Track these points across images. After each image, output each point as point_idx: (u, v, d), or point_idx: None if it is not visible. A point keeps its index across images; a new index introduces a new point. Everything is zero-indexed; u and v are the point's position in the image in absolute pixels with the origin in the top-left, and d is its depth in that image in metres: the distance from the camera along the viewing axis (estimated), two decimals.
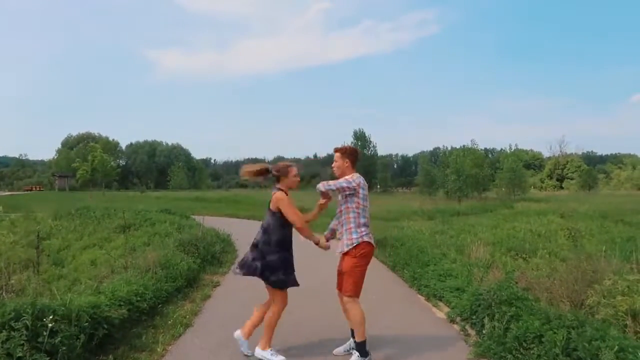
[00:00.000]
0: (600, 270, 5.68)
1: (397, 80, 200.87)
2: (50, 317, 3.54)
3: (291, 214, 4.10)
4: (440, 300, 6.36)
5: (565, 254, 9.90)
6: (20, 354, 3.29)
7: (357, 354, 4.11)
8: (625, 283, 4.77)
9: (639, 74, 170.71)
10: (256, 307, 4.40)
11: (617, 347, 3.04)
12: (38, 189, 69.38)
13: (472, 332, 4.98)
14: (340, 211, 4.22)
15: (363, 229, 4.14)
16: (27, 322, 3.49)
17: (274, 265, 4.10)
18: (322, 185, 4.09)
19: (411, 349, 4.58)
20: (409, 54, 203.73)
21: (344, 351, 4.39)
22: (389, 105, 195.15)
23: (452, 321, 5.48)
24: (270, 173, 4.32)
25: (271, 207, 4.17)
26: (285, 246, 4.19)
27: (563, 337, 3.40)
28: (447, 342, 4.82)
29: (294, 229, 4.21)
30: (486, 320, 4.65)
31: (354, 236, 4.11)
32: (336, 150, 4.38)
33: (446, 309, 5.97)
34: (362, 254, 4.11)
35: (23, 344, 3.36)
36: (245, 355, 4.30)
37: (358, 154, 4.48)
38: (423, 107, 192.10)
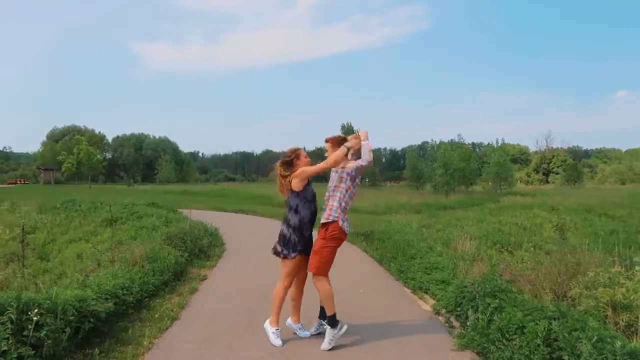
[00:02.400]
0: (584, 263, 5.78)
1: (386, 74, 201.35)
2: (35, 310, 3.52)
3: (315, 168, 4.42)
4: (426, 293, 6.44)
5: (549, 247, 10.06)
6: (5, 348, 3.27)
7: (329, 326, 4.38)
8: (607, 275, 4.87)
9: (624, 71, 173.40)
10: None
11: (595, 337, 3.12)
12: (22, 182, 68.29)
13: (457, 324, 5.05)
14: (330, 187, 4.48)
15: (341, 213, 4.39)
16: (12, 315, 3.47)
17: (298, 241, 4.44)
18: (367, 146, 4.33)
19: (397, 340, 4.63)
20: (398, 48, 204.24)
21: (315, 331, 4.71)
22: (377, 100, 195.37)
23: (438, 313, 5.56)
24: (284, 163, 4.50)
25: (294, 187, 4.36)
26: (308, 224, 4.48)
27: (544, 328, 3.47)
28: (432, 333, 4.89)
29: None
30: (470, 312, 4.72)
31: (333, 214, 4.36)
32: (327, 140, 4.57)
33: (432, 302, 6.05)
34: (332, 235, 4.35)
35: (8, 338, 3.34)
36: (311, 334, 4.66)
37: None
38: (411, 102, 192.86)
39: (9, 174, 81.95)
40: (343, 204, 4.40)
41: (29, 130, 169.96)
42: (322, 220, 4.42)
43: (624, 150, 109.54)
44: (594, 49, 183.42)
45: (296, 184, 4.36)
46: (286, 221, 4.46)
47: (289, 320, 4.73)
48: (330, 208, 4.38)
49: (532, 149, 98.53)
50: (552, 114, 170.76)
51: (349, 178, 4.41)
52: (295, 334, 4.68)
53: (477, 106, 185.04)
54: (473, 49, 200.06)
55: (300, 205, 4.40)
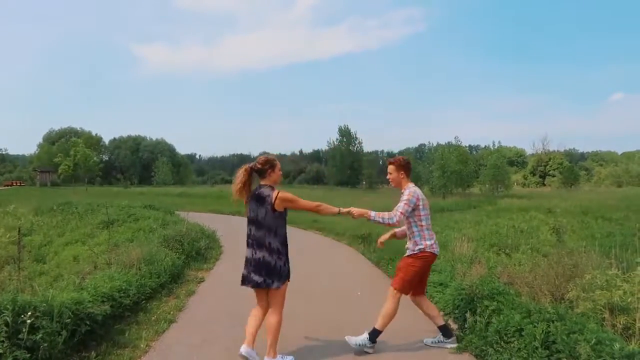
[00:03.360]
0: (581, 265, 5.78)
1: (383, 77, 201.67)
2: (29, 313, 3.49)
3: (305, 204, 4.09)
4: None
5: (547, 250, 10.06)
6: (0, 351, 3.25)
7: (368, 337, 4.41)
8: (604, 277, 4.87)
9: (621, 73, 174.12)
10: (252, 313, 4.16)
11: (594, 339, 3.11)
12: (19, 184, 67.99)
13: (455, 327, 5.04)
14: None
15: (427, 237, 4.45)
16: (7, 318, 3.44)
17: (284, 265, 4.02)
18: (379, 218, 4.45)
19: (395, 343, 4.63)
20: (395, 51, 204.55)
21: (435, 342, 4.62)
22: (374, 102, 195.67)
23: None
24: (253, 170, 4.09)
25: (277, 207, 3.92)
26: (286, 244, 4.11)
27: (542, 331, 3.46)
28: (430, 336, 4.87)
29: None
30: (468, 314, 4.71)
31: (419, 246, 4.43)
32: (390, 162, 4.59)
33: None
34: (421, 256, 4.42)
35: (3, 341, 3.31)
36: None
37: (410, 164, 4.67)
38: (409, 104, 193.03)
39: (5, 176, 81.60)
40: (424, 232, 4.47)
41: (24, 132, 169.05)
42: (407, 254, 4.53)
43: (620, 152, 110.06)
44: (590, 52, 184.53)
45: (280, 205, 3.93)
46: (264, 246, 3.92)
47: (245, 348, 3.97)
48: (414, 241, 4.48)
49: (529, 151, 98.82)
50: (549, 116, 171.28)
51: (409, 216, 4.48)
52: None
53: (474, 109, 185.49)
54: (470, 51, 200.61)
55: (280, 227, 3.99)
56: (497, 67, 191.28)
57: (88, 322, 4.17)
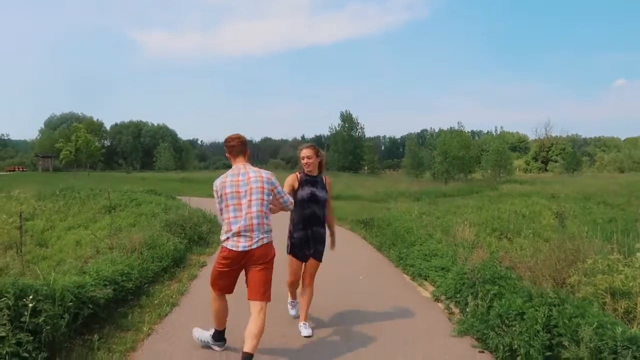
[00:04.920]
0: (583, 250, 5.77)
1: (385, 62, 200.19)
2: (31, 296, 3.49)
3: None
4: (426, 280, 6.44)
5: (548, 235, 10.07)
6: (3, 334, 3.25)
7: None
8: (606, 262, 4.86)
9: (623, 60, 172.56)
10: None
11: (596, 323, 3.11)
12: (21, 169, 68.10)
13: (456, 311, 5.06)
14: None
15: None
16: (9, 301, 3.44)
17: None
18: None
19: (396, 327, 4.64)
20: (397, 37, 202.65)
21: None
22: (376, 88, 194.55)
23: (437, 300, 5.56)
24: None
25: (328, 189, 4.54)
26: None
27: (544, 315, 3.46)
28: (432, 320, 4.89)
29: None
30: (470, 298, 4.72)
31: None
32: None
33: (431, 288, 6.05)
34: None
35: (5, 324, 3.32)
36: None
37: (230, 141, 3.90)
38: (411, 90, 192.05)
39: (7, 162, 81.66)
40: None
41: (26, 117, 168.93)
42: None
43: (622, 138, 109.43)
44: (593, 38, 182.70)
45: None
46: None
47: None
48: None
49: (531, 137, 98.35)
50: (552, 102, 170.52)
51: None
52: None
53: (476, 94, 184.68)
54: (472, 37, 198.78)
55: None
56: (499, 53, 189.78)
57: (90, 306, 4.18)
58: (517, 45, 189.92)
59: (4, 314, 3.36)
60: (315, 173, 4.47)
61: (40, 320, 3.49)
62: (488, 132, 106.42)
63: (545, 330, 3.40)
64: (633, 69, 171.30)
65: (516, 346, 3.58)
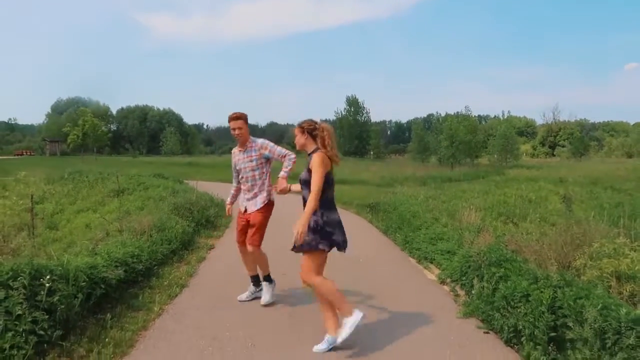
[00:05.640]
0: (589, 234, 5.79)
1: (392, 46, 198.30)
2: (48, 276, 3.58)
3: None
4: (431, 263, 6.50)
5: (555, 219, 10.07)
6: (19, 312, 3.34)
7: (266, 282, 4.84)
8: (612, 246, 4.88)
9: (633, 43, 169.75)
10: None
11: (600, 305, 3.14)
12: (29, 153, 68.56)
13: (462, 293, 5.12)
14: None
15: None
16: (25, 281, 3.53)
17: None
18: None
19: (402, 308, 4.71)
20: (405, 20, 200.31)
21: (248, 297, 4.97)
22: (383, 72, 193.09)
23: (443, 282, 5.63)
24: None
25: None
26: None
27: (549, 296, 3.50)
28: (437, 302, 4.96)
29: None
30: (475, 281, 4.77)
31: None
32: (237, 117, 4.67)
33: (437, 271, 6.11)
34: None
35: (22, 302, 3.41)
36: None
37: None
38: (417, 74, 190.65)
39: (15, 146, 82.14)
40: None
41: (32, 102, 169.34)
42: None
43: (632, 123, 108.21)
44: (603, 20, 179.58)
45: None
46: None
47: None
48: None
49: (539, 122, 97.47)
50: (560, 86, 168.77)
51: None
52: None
53: (484, 78, 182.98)
54: (481, 20, 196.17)
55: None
56: (508, 36, 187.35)
57: (103, 286, 4.28)
58: (525, 28, 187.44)
59: (20, 293, 3.45)
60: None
61: (54, 300, 3.59)
62: (495, 116, 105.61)
63: (550, 311, 3.44)
64: None
65: (521, 327, 3.64)
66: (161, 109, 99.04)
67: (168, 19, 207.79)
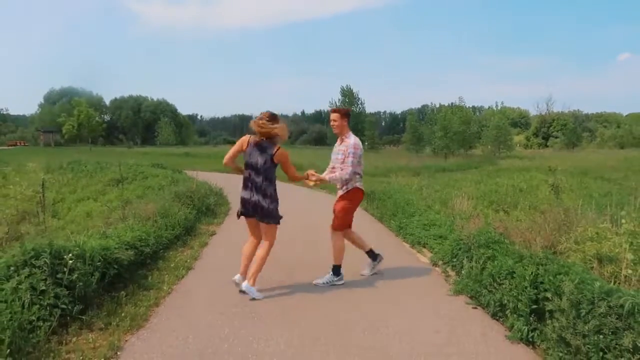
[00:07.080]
0: (575, 221, 6.09)
1: (387, 36, 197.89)
2: (69, 255, 3.85)
3: (292, 170, 4.78)
4: (424, 247, 6.81)
5: (545, 207, 10.36)
6: (43, 287, 3.61)
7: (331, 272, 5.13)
8: (595, 230, 5.20)
9: (627, 34, 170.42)
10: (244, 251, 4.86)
11: (577, 279, 3.44)
12: (22, 144, 68.30)
13: (452, 273, 5.43)
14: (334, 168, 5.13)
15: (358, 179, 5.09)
16: (46, 260, 3.80)
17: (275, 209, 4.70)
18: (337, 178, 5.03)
19: (396, 287, 5.02)
20: (400, 10, 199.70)
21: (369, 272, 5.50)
22: (377, 62, 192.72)
23: (435, 264, 5.94)
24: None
25: (275, 160, 4.58)
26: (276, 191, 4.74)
27: (532, 273, 3.80)
28: (430, 281, 5.28)
29: None
30: (465, 261, 5.09)
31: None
32: (334, 110, 5.07)
33: (429, 254, 6.42)
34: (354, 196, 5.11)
35: (45, 279, 3.68)
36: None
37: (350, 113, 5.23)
38: (412, 65, 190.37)
39: (8, 136, 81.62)
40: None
41: (24, 92, 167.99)
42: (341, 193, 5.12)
43: (625, 114, 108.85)
44: (596, 11, 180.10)
45: (278, 158, 4.56)
46: (260, 191, 4.56)
47: (239, 278, 4.78)
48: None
49: (533, 112, 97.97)
50: (554, 77, 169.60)
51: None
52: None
53: (477, 69, 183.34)
54: (474, 11, 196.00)
55: (274, 176, 4.66)
56: (501, 28, 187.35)
57: (115, 266, 4.55)
58: (519, 19, 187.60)
59: (43, 271, 3.72)
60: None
61: (74, 277, 3.86)
62: (489, 107, 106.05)
63: (532, 286, 3.74)
64: (638, 43, 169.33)
65: (506, 301, 3.95)
66: (155, 99, 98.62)
67: (162, 6, 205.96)
